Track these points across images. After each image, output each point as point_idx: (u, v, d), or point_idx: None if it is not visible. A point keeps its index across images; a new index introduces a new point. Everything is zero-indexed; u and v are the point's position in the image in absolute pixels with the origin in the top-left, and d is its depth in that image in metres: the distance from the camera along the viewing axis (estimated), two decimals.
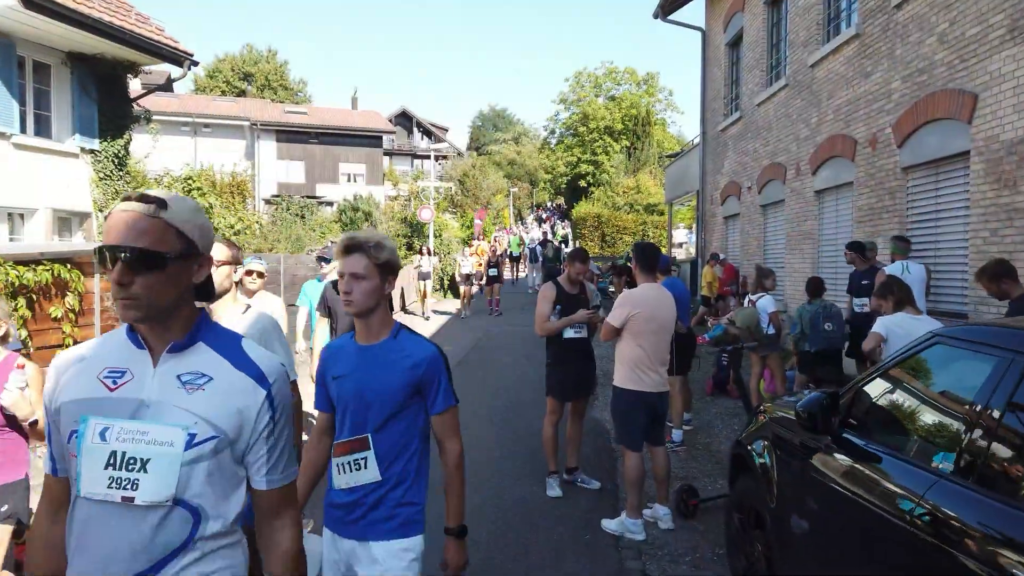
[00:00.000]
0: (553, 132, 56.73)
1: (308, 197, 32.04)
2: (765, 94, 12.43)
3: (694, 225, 20.47)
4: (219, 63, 52.09)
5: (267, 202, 31.90)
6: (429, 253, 17.25)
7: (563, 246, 30.60)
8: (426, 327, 15.13)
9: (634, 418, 4.39)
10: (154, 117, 33.44)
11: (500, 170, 53.00)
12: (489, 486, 5.29)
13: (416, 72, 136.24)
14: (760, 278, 7.30)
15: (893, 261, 6.60)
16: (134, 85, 12.28)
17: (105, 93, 11.07)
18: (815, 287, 6.88)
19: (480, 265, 19.69)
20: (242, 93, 45.83)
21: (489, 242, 26.31)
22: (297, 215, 26.35)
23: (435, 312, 17.68)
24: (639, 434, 4.42)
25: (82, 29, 9.72)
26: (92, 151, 10.96)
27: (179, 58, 11.35)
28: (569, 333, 5.04)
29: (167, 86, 15.28)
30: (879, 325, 4.52)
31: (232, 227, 15.03)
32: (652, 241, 24.98)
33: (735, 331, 11.32)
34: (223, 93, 47.10)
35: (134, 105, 11.85)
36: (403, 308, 18.24)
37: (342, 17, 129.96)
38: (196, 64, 11.57)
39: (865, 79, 8.86)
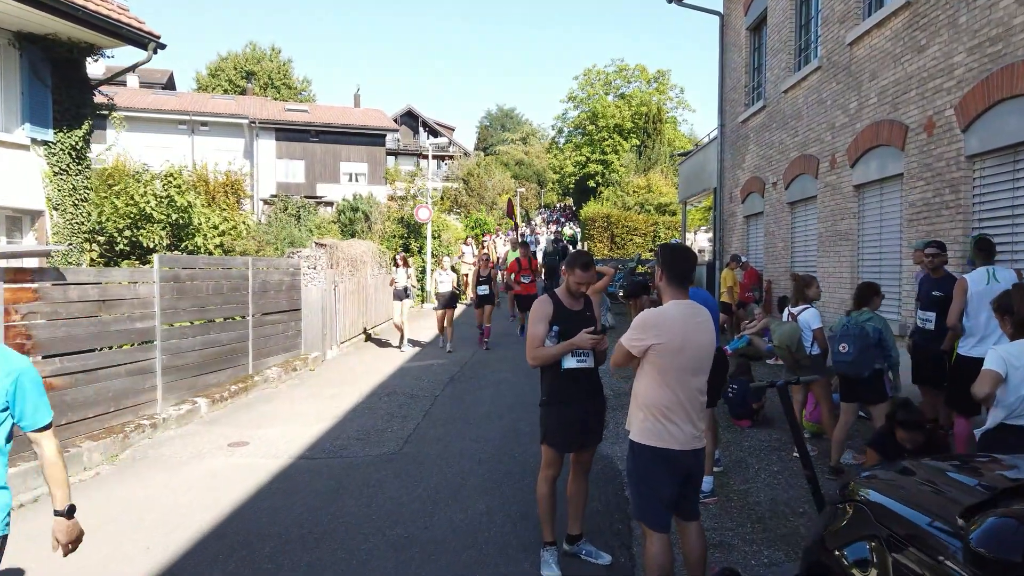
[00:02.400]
0: (561, 131, 55.60)
1: (308, 197, 31.04)
2: (793, 79, 11.20)
3: (713, 226, 19.20)
4: (222, 61, 51.28)
5: (265, 202, 30.94)
6: (405, 264, 13.01)
7: (570, 247, 29.38)
8: (399, 356, 11.95)
9: (657, 486, 3.19)
10: (150, 115, 32.76)
11: (508, 170, 51.90)
12: (463, 559, 4.09)
13: (423, 72, 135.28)
14: (801, 287, 6.06)
15: (975, 267, 5.34)
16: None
17: (60, 78, 9.97)
18: (859, 295, 5.61)
19: (465, 282, 16.34)
20: (243, 92, 44.87)
21: (479, 248, 21.35)
22: (293, 215, 25.29)
23: (411, 342, 13.10)
24: (664, 508, 3.21)
25: (28, 4, 8.64)
26: (45, 143, 9.86)
27: (143, 40, 10.24)
28: (570, 362, 3.83)
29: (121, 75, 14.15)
30: (994, 359, 3.31)
31: (216, 227, 13.89)
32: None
33: (761, 344, 10.09)
34: (226, 92, 46.25)
35: (96, 93, 10.73)
36: (366, 334, 14.26)
37: (348, 17, 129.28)
38: (163, 47, 10.44)
39: (918, 54, 7.62)
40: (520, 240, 15.68)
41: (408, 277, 12.75)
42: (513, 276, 12.87)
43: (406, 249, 20.82)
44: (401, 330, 12.79)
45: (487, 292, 12.53)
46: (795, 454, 5.99)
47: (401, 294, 12.58)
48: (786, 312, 6.17)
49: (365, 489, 5.30)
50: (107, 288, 6.67)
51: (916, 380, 5.87)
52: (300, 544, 4.29)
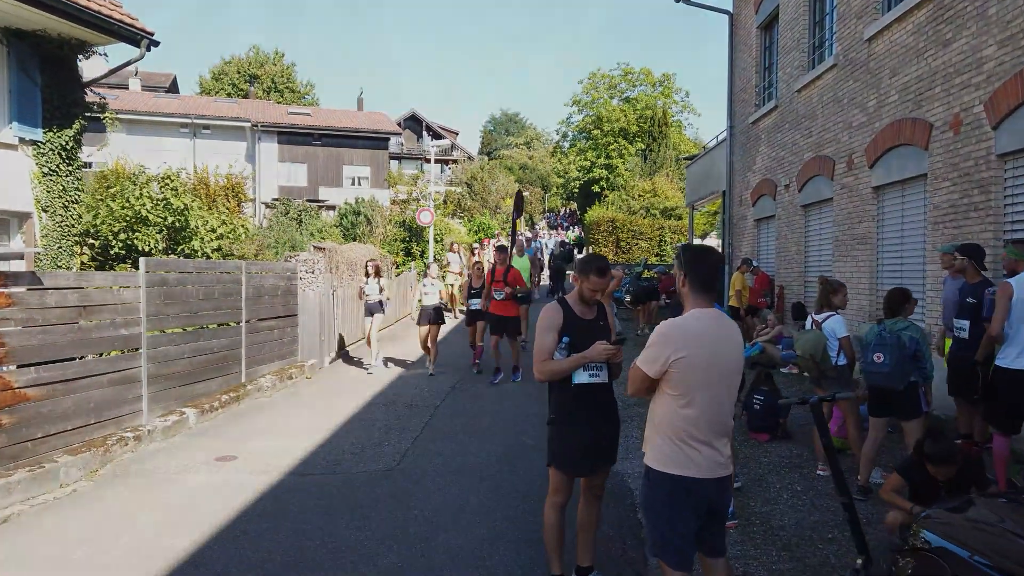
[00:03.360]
0: (566, 135, 55.24)
1: (311, 200, 30.78)
2: (807, 78, 10.83)
3: (721, 230, 18.79)
4: (225, 65, 51.13)
5: (267, 205, 30.69)
6: (377, 274, 11.06)
7: (575, 251, 29.02)
8: (398, 364, 11.10)
9: (677, 519, 2.81)
10: (152, 118, 32.50)
11: (512, 174, 51.59)
12: None
13: (427, 76, 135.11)
14: (827, 293, 5.68)
15: (1014, 271, 4.95)
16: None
17: (50, 76, 9.64)
18: (891, 303, 5.20)
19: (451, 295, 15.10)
20: (246, 96, 44.68)
21: (470, 256, 19.04)
22: (295, 219, 25.00)
23: (390, 361, 11.55)
24: (685, 544, 2.83)
25: None
26: (34, 142, 9.54)
27: (135, 37, 9.90)
28: (581, 377, 3.47)
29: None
30: None
31: (214, 230, 13.58)
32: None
33: (775, 352, 9.68)
34: (229, 95, 46.07)
35: (88, 91, 10.41)
36: (343, 351, 12.60)
37: (351, 21, 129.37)
38: (156, 44, 10.12)
39: (944, 48, 7.25)
40: (498, 244, 13.96)
41: (381, 290, 10.96)
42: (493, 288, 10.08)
43: (407, 253, 20.46)
44: (371, 344, 11.06)
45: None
46: (819, 471, 5.61)
47: (376, 307, 10.85)
48: (810, 319, 5.79)
49: (358, 510, 4.93)
50: (89, 293, 6.32)
51: (952, 392, 5.49)
52: None
